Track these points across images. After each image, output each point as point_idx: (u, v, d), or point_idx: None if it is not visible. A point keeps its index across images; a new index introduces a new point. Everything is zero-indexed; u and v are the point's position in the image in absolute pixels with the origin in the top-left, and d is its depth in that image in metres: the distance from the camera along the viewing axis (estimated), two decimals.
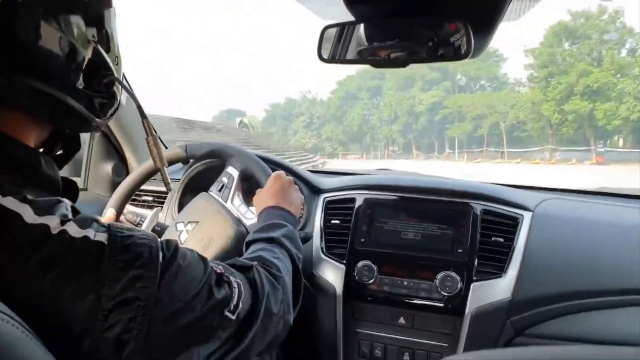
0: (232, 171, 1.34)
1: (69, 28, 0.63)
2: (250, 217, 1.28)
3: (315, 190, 1.54)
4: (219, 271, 0.74)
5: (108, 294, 0.58)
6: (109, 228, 0.63)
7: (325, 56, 1.23)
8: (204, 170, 1.55)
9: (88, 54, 0.66)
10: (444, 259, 1.31)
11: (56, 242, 0.59)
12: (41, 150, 0.73)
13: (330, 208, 1.47)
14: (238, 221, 1.27)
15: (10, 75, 0.59)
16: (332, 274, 1.38)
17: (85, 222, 0.62)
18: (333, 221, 1.44)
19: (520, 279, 1.27)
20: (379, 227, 1.39)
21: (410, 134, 49.34)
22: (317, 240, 1.42)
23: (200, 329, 0.67)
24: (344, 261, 1.37)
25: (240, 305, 0.73)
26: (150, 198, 1.65)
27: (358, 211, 1.42)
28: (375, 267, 1.34)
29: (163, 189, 1.65)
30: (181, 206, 1.53)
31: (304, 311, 1.45)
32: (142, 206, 1.62)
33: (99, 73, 0.68)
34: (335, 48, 1.23)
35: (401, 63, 1.16)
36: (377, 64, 1.20)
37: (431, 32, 1.14)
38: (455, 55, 1.11)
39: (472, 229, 1.32)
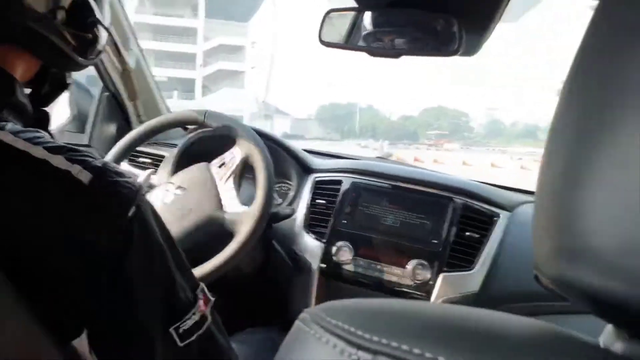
0: (237, 153, 1.34)
1: None
2: (233, 204, 1.29)
3: (307, 169, 1.59)
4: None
5: (65, 235, 0.59)
6: (100, 167, 0.62)
7: (325, 39, 1.27)
8: (206, 139, 1.58)
9: None
10: (418, 248, 1.36)
11: (34, 170, 0.59)
12: (29, 89, 0.75)
13: (319, 188, 1.52)
14: (220, 205, 1.29)
15: None
16: (311, 251, 1.43)
17: (75, 156, 0.62)
18: (319, 200, 1.49)
19: (489, 275, 1.31)
20: (361, 211, 1.44)
21: None
22: (300, 217, 1.48)
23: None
24: (324, 240, 1.43)
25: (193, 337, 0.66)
26: (148, 160, 1.71)
27: (344, 193, 1.47)
28: (352, 248, 1.39)
29: (162, 152, 1.70)
30: (176, 172, 1.58)
31: (281, 284, 1.51)
32: (140, 168, 1.68)
33: (82, 13, 0.71)
34: (335, 32, 1.27)
35: (393, 54, 1.20)
36: (373, 53, 1.24)
37: (424, 26, 1.18)
38: (445, 51, 1.14)
39: (449, 222, 1.37)
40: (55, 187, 0.60)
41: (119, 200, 0.62)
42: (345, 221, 1.44)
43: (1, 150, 0.60)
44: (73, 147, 0.65)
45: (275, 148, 1.54)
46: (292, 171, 1.58)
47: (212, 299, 0.74)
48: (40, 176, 0.60)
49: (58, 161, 0.61)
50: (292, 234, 1.48)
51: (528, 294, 1.31)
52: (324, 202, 1.49)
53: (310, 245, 1.44)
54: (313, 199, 1.51)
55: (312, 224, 1.47)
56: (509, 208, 1.41)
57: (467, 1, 1.14)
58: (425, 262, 1.33)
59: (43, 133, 0.66)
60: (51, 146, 0.62)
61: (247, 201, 1.38)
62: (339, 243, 1.41)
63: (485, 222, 1.38)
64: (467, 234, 1.36)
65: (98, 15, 0.76)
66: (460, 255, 1.34)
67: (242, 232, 1.23)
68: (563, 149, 0.31)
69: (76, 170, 0.61)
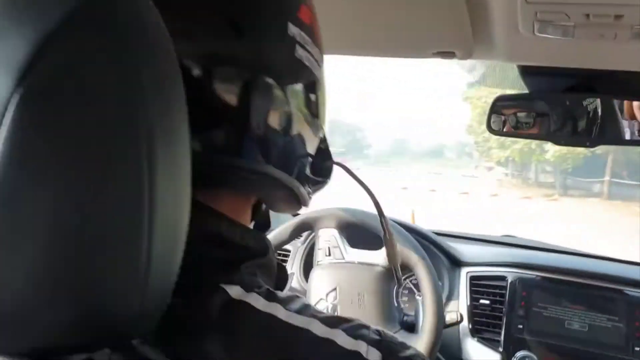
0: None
1: (304, 102, 0.58)
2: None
3: (457, 262, 1.43)
4: None
5: None
6: (380, 339, 0.53)
7: (496, 128, 1.14)
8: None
9: (321, 134, 0.61)
10: (618, 357, 1.18)
11: (318, 351, 0.51)
12: None
13: (477, 285, 1.36)
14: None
15: (248, 160, 0.53)
16: None
17: (354, 330, 0.53)
18: (482, 301, 1.33)
19: None
20: (538, 313, 1.27)
21: None
22: (464, 321, 1.31)
23: None
24: (500, 349, 1.26)
25: None
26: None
27: (512, 292, 1.30)
28: (536, 359, 1.22)
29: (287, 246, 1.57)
30: (307, 267, 1.44)
31: None
32: None
33: (323, 156, 0.62)
34: (507, 118, 1.14)
35: (588, 144, 1.06)
36: (561, 142, 1.10)
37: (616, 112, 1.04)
38: None
39: None
40: None
41: None
42: (521, 326, 1.26)
43: (274, 329, 0.50)
44: (339, 316, 0.55)
45: (422, 242, 1.40)
46: (441, 266, 1.42)
47: None
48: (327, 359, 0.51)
49: (343, 340, 0.51)
50: (455, 340, 1.31)
51: None
52: (488, 302, 1.32)
53: (484, 355, 1.27)
54: (474, 299, 1.34)
55: (478, 328, 1.31)
56: None
57: None
58: None
59: (302, 298, 0.56)
60: (323, 318, 0.53)
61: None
62: (520, 354, 1.23)
63: None
64: None
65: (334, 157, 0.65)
66: None
67: None
68: None
69: (364, 349, 0.51)
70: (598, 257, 1.46)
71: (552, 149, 17.56)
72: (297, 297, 0.56)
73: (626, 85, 1.06)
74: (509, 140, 17.99)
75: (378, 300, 1.18)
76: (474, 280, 1.37)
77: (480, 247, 1.54)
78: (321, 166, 0.63)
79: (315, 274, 1.29)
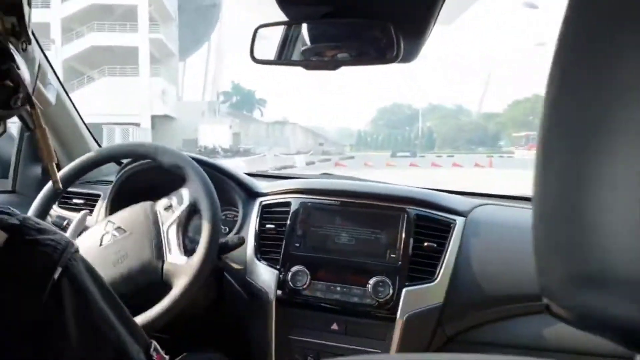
0: (185, 196, 1.25)
1: None
2: (174, 253, 1.19)
3: (252, 194, 1.51)
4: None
5: None
6: (17, 225, 0.56)
7: (257, 56, 1.21)
8: (140, 172, 1.47)
9: None
10: (377, 264, 1.30)
11: None
12: None
13: (266, 212, 1.44)
14: (160, 254, 1.19)
15: None
16: (265, 280, 1.35)
17: None
18: (268, 225, 1.41)
19: (452, 284, 1.27)
20: (314, 232, 1.37)
21: None
22: (251, 245, 1.39)
23: None
24: (278, 266, 1.35)
25: None
26: (81, 201, 1.58)
27: (294, 215, 1.40)
28: (308, 272, 1.32)
29: (96, 191, 1.59)
30: (113, 210, 1.46)
31: (238, 318, 1.42)
32: (73, 209, 1.55)
33: None
34: (267, 48, 1.21)
35: (331, 66, 1.15)
36: (308, 66, 1.18)
37: (360, 36, 1.14)
38: (383, 58, 1.10)
39: (405, 234, 1.32)
40: None
41: (41, 262, 0.56)
42: (298, 244, 1.36)
43: None
44: None
45: (217, 175, 1.46)
46: (237, 197, 1.49)
47: (167, 357, 0.70)
48: None
49: None
50: (242, 263, 1.39)
51: (490, 300, 1.28)
52: (273, 226, 1.41)
53: (264, 273, 1.35)
54: (261, 225, 1.42)
55: (264, 250, 1.39)
56: (464, 213, 1.38)
57: (401, 7, 1.11)
58: (386, 279, 1.28)
59: None
60: None
61: (193, 246, 1.26)
62: (294, 268, 1.33)
63: (442, 231, 1.34)
64: (425, 244, 1.31)
65: (18, 60, 0.67)
66: (421, 268, 1.29)
67: (179, 285, 1.14)
68: (566, 157, 0.25)
69: None
70: (381, 182, 1.59)
71: None
72: None
73: (376, 10, 1.16)
74: None
75: (128, 275, 1.19)
76: (265, 208, 1.45)
77: (283, 181, 1.63)
78: None
79: (140, 206, 1.29)
